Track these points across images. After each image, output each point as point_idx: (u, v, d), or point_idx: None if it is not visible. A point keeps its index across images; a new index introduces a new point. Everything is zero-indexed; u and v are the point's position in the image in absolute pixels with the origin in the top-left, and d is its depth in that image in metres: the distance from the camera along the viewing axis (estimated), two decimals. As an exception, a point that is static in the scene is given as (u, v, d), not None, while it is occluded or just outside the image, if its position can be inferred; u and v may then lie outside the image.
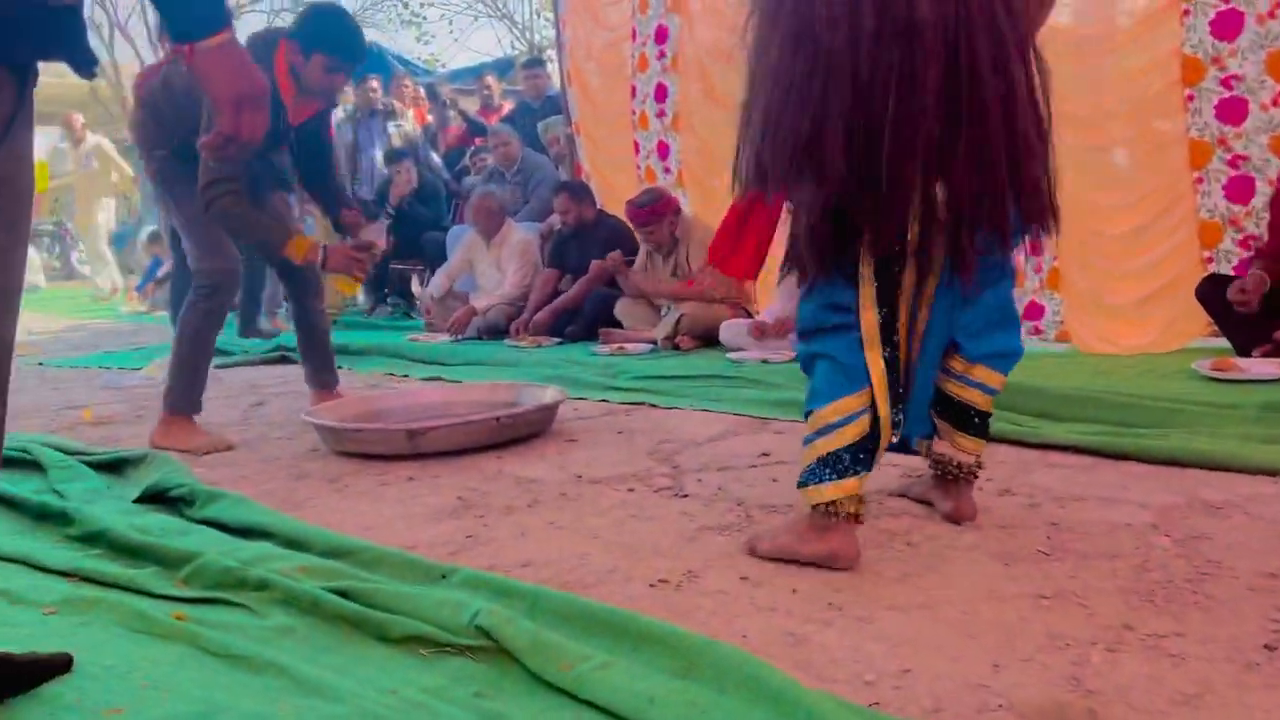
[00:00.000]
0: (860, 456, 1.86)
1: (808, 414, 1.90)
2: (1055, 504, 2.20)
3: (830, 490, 1.84)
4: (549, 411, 3.19)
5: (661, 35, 5.87)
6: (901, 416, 1.98)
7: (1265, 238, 3.74)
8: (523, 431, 3.07)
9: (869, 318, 1.87)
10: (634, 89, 6.10)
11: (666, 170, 5.99)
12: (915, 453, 2.18)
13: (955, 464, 2.08)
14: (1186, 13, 3.85)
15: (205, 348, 3.33)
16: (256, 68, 1.34)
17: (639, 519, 2.22)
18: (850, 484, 1.85)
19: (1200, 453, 2.44)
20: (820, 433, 1.86)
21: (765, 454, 2.77)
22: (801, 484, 1.89)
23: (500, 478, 2.65)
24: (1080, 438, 2.65)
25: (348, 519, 2.32)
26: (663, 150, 6.03)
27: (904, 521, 2.12)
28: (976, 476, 2.10)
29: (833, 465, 1.85)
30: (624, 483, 2.54)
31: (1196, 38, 3.84)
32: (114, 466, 2.78)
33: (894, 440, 2.00)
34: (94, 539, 2.10)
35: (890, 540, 2.00)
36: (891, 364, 1.89)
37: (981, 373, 2.03)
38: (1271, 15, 3.70)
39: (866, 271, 1.85)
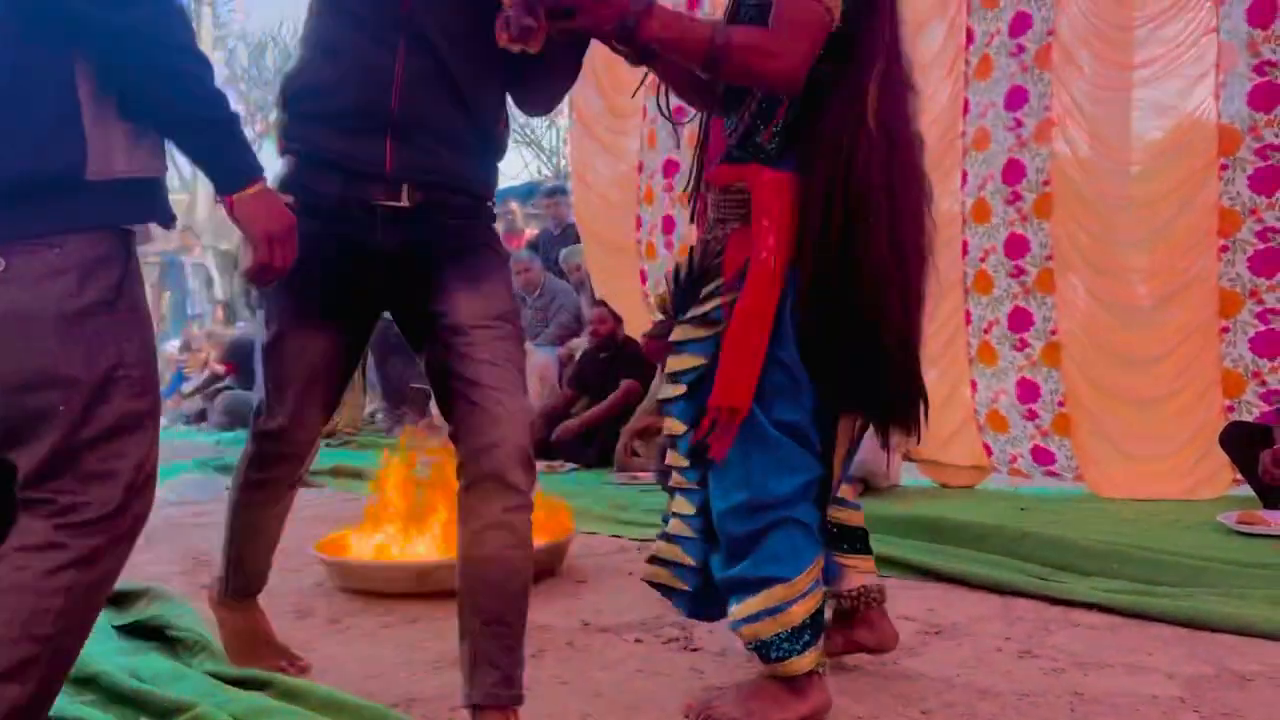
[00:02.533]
0: (822, 615, 1.86)
1: (768, 581, 1.78)
2: (1079, 670, 2.12)
3: (811, 658, 1.79)
4: (560, 550, 3.14)
5: (670, 169, 6.01)
6: None
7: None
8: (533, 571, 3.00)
9: (838, 472, 1.91)
10: (639, 220, 6.22)
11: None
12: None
13: (875, 589, 2.10)
14: (1224, 166, 3.89)
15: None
16: (284, 208, 1.52)
17: (645, 675, 2.15)
18: (821, 644, 1.82)
19: (1229, 617, 2.36)
20: (796, 600, 1.78)
21: (778, 603, 2.70)
22: (778, 658, 1.78)
23: (506, 622, 2.58)
24: (1104, 596, 2.57)
25: (348, 665, 2.26)
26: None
27: (919, 686, 2.04)
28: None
29: (811, 630, 1.80)
30: (632, 632, 2.47)
31: (1235, 190, 3.88)
32: (114, 599, 2.73)
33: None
34: (87, 683, 2.05)
35: (905, 707, 1.93)
36: None
37: (847, 490, 2.12)
38: None
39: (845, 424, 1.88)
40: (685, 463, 1.90)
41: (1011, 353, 4.47)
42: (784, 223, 1.78)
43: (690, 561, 1.91)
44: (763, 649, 1.79)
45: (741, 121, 1.85)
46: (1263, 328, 3.85)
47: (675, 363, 1.89)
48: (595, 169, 6.61)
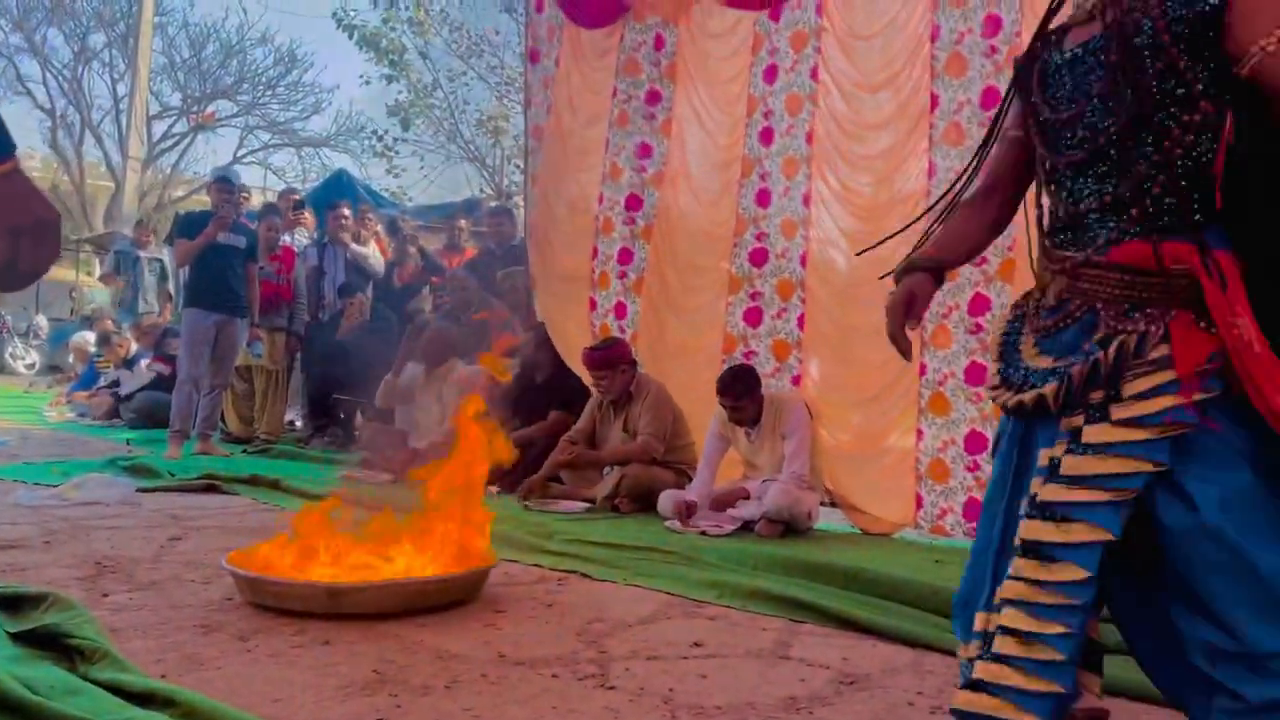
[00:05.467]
0: None
1: None
2: (986, 728, 2.15)
3: None
4: (478, 577, 3.10)
5: (633, 203, 6.06)
6: None
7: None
8: (450, 598, 2.97)
9: None
10: (595, 250, 6.25)
11: (622, 330, 6.07)
12: None
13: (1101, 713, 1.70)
14: None
15: None
16: (44, 198, 1.33)
17: (560, 712, 2.13)
18: None
19: (1134, 682, 2.42)
20: None
21: (697, 644, 2.70)
22: None
23: (420, 650, 2.54)
24: (1013, 654, 2.62)
25: (254, 687, 2.20)
26: (620, 310, 6.15)
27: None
28: None
29: None
30: (549, 666, 2.44)
31: None
32: (10, 603, 2.63)
33: None
34: (-24, 691, 1.96)
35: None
36: None
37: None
38: None
39: None
40: (1081, 575, 1.52)
41: (966, 405, 4.60)
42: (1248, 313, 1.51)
43: (1054, 688, 1.53)
44: None
45: (1149, 182, 1.57)
46: None
47: (1089, 465, 1.54)
48: (555, 193, 6.64)
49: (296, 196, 10.66)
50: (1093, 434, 1.54)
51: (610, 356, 5.41)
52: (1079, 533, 1.53)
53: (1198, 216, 1.55)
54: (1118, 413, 1.53)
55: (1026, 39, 4.35)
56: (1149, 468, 1.50)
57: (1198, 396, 1.49)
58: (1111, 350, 1.55)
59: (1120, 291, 1.58)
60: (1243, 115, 1.53)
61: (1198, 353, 1.51)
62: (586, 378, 5.65)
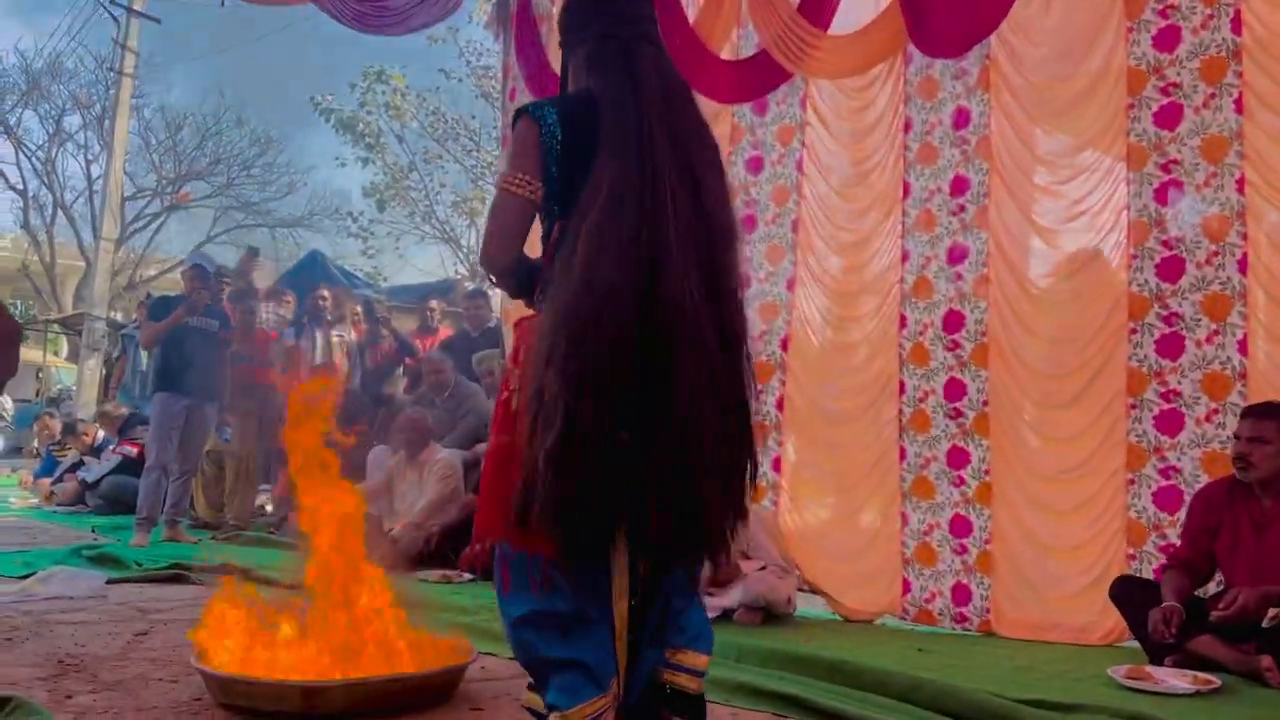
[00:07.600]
0: None
1: (551, 708, 2.04)
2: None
3: None
4: (456, 673, 3.03)
5: None
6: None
7: (1181, 545, 3.83)
8: (426, 695, 2.89)
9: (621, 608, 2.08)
10: None
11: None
12: None
13: None
14: (1133, 331, 4.15)
15: None
16: (3, 309, 1.32)
17: (542, 822, 2.06)
18: None
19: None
20: None
21: (680, 743, 2.63)
22: None
23: (397, 753, 2.46)
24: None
25: (224, 797, 2.12)
26: None
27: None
28: None
29: None
30: (527, 772, 2.37)
31: (1143, 354, 4.13)
32: (-30, 708, 2.53)
33: None
34: (-69, 808, 1.88)
35: None
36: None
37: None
38: (1209, 341, 4.00)
39: (621, 561, 2.07)
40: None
41: (949, 488, 4.64)
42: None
43: None
44: None
45: None
46: (1164, 483, 4.06)
47: None
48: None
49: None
50: None
51: None
52: None
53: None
54: None
55: (995, 129, 4.57)
56: None
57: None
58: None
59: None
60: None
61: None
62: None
